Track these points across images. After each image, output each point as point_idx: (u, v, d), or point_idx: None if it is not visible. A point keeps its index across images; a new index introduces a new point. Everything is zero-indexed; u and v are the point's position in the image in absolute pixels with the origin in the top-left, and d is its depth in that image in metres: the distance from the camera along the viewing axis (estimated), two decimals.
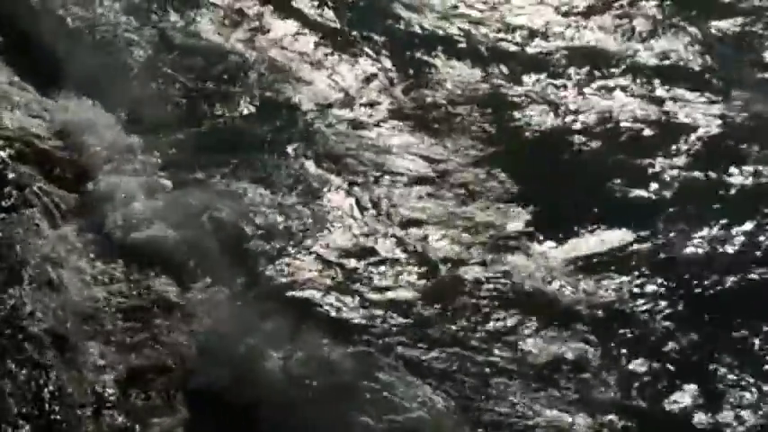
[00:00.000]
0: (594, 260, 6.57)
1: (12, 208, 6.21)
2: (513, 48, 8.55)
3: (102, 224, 6.48)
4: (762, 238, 6.71)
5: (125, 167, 6.96)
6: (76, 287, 5.99)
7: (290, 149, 7.35)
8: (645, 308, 6.26)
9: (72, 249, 6.25)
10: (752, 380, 5.80)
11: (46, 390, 5.22)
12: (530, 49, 8.54)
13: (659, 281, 6.41)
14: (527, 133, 7.65)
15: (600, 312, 6.21)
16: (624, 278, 6.43)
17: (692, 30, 8.63)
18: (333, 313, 6.09)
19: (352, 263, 6.48)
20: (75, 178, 6.86)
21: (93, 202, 6.64)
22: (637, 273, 6.46)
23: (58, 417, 5.17)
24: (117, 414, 5.38)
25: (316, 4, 8.95)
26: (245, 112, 7.74)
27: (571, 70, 8.27)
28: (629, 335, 6.08)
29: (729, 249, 6.65)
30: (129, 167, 6.98)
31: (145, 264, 6.25)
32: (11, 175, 6.45)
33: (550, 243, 6.67)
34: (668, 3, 9.00)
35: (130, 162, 7.05)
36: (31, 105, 7.31)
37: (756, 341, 6.02)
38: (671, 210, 6.94)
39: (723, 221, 6.83)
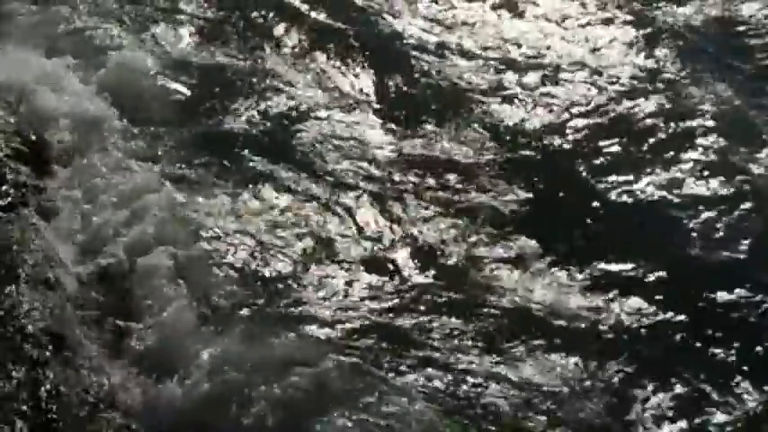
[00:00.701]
0: (602, 275, 6.52)
1: (8, 206, 6.20)
2: (510, 51, 8.64)
3: (99, 221, 6.49)
4: None
5: (123, 167, 6.99)
6: (73, 286, 5.99)
7: (276, 150, 7.38)
8: (651, 323, 6.22)
9: (69, 248, 6.27)
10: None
11: (42, 388, 5.18)
12: (528, 52, 8.61)
13: (667, 295, 6.37)
14: (526, 140, 7.69)
15: (607, 327, 6.17)
16: (631, 291, 6.39)
17: (689, 35, 8.74)
18: (327, 324, 6.01)
19: (346, 271, 6.44)
20: (71, 175, 6.88)
21: (90, 199, 6.66)
22: (644, 287, 6.43)
23: (55, 416, 5.12)
24: (114, 413, 5.37)
25: (307, 8, 9.01)
26: (244, 115, 7.75)
27: (573, 74, 8.35)
28: (634, 351, 6.02)
29: (740, 261, 6.64)
30: (124, 166, 7.00)
31: (142, 262, 6.21)
32: (7, 173, 6.46)
33: (555, 255, 6.61)
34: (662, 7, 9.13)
35: (126, 161, 7.06)
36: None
37: None
38: (680, 220, 6.95)
39: (734, 231, 6.84)
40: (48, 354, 5.36)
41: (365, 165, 7.34)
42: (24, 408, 5.07)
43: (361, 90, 8.13)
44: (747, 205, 7.03)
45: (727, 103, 8.00)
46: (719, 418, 5.62)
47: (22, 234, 6.04)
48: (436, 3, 9.24)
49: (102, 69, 7.84)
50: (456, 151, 7.53)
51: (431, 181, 7.26)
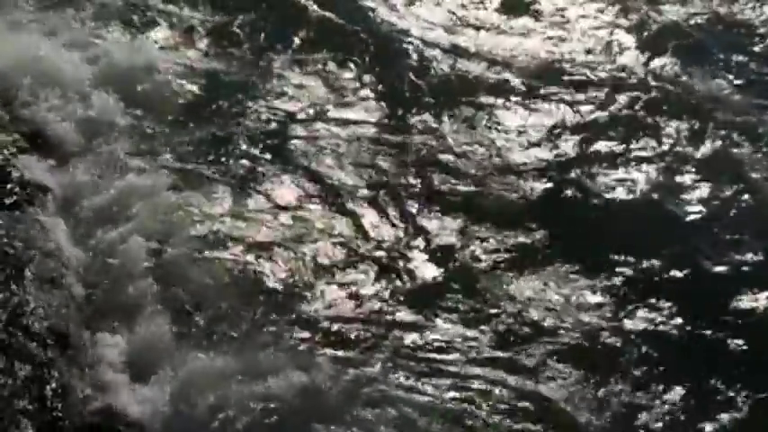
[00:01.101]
0: (611, 279, 6.47)
1: (13, 205, 6.20)
2: (514, 50, 8.66)
3: (102, 220, 6.49)
4: None
5: (125, 165, 7.01)
6: (78, 285, 5.99)
7: (279, 150, 7.40)
8: (660, 328, 6.17)
9: (74, 245, 6.27)
10: None
11: (48, 387, 5.18)
12: (531, 52, 8.64)
13: (676, 299, 6.33)
14: (532, 140, 7.67)
15: (615, 332, 6.12)
16: (642, 296, 6.35)
17: (692, 34, 8.79)
18: (327, 330, 5.97)
19: (348, 273, 6.42)
20: (76, 173, 6.89)
21: (93, 198, 6.67)
22: (655, 290, 6.39)
23: (60, 414, 5.13)
24: (118, 412, 5.37)
25: (311, 9, 9.01)
26: (246, 115, 7.76)
27: (576, 74, 8.38)
28: (643, 356, 5.99)
29: (745, 262, 6.60)
30: (127, 165, 7.02)
31: (146, 261, 6.22)
32: (13, 172, 6.47)
33: (563, 257, 6.59)
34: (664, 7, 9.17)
35: (129, 160, 7.08)
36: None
37: None
38: (685, 222, 6.95)
39: (738, 233, 6.83)
40: (52, 352, 5.36)
41: (370, 165, 7.35)
42: (30, 406, 5.06)
43: (366, 90, 8.13)
44: (753, 207, 7.04)
45: (731, 103, 8.02)
46: (730, 425, 5.60)
47: (27, 233, 6.03)
48: (440, 5, 9.26)
49: (104, 68, 7.86)
50: (462, 151, 7.52)
51: (436, 181, 7.25)
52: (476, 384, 5.69)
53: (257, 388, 5.43)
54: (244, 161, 7.25)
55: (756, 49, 8.80)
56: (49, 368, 5.27)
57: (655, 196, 7.16)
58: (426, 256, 6.59)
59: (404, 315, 6.13)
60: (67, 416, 5.16)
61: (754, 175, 7.34)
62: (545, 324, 6.12)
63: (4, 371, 5.13)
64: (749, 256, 6.65)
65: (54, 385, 5.21)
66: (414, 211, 6.96)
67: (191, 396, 5.43)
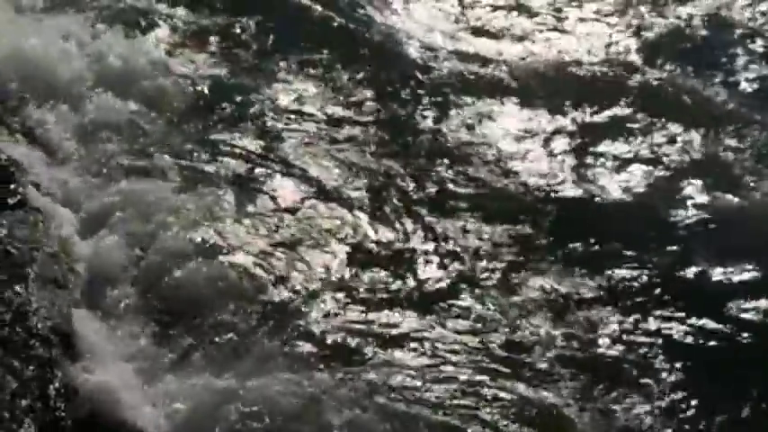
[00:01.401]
0: (619, 287, 6.45)
1: (17, 204, 6.19)
2: (515, 51, 8.73)
3: (105, 220, 6.49)
4: None
5: (127, 165, 7.02)
6: (81, 285, 6.00)
7: (279, 152, 7.41)
8: (666, 334, 6.14)
9: (76, 245, 6.27)
10: None
11: (51, 387, 5.16)
12: (531, 53, 8.70)
13: (681, 307, 6.31)
14: (534, 143, 7.71)
15: (621, 339, 6.08)
16: (648, 302, 6.33)
17: (693, 35, 8.83)
18: (326, 342, 5.90)
19: (350, 279, 6.39)
20: (77, 172, 6.92)
21: (96, 197, 6.68)
22: (660, 297, 6.38)
23: (63, 414, 5.11)
24: (122, 412, 5.36)
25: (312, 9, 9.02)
26: (247, 117, 7.80)
27: (577, 74, 8.40)
28: (648, 363, 5.95)
29: (758, 271, 6.57)
30: (129, 165, 7.04)
31: (146, 262, 6.22)
32: (13, 170, 6.45)
33: (570, 265, 6.56)
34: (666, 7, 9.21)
35: (131, 160, 7.10)
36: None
37: None
38: (694, 231, 6.94)
39: (738, 238, 6.83)
40: (56, 352, 5.34)
41: (373, 167, 7.36)
42: (32, 406, 5.03)
43: (369, 91, 8.15)
44: (753, 208, 7.06)
45: (732, 105, 8.04)
46: (734, 427, 5.58)
47: (29, 233, 6.02)
48: (442, 7, 9.28)
49: (106, 69, 7.88)
50: (465, 153, 7.54)
51: (439, 182, 7.27)
52: (480, 391, 5.66)
53: (258, 395, 5.38)
54: (245, 162, 7.25)
55: (756, 49, 8.83)
56: (52, 368, 5.25)
57: (658, 197, 7.18)
58: (430, 260, 6.59)
59: (407, 320, 6.10)
60: (69, 415, 5.14)
61: (754, 177, 7.36)
62: (549, 328, 6.10)
63: (7, 370, 5.11)
64: (750, 257, 6.65)
65: (56, 385, 5.19)
66: (417, 212, 6.95)
67: (191, 399, 5.41)
